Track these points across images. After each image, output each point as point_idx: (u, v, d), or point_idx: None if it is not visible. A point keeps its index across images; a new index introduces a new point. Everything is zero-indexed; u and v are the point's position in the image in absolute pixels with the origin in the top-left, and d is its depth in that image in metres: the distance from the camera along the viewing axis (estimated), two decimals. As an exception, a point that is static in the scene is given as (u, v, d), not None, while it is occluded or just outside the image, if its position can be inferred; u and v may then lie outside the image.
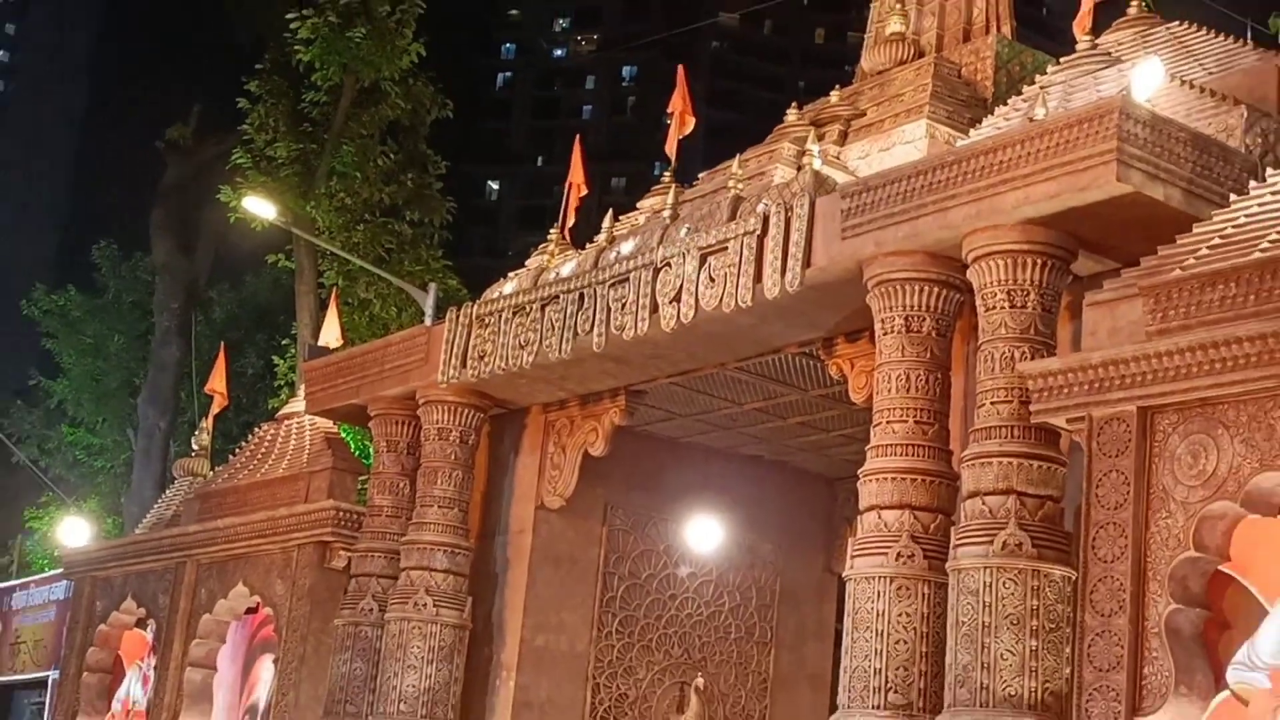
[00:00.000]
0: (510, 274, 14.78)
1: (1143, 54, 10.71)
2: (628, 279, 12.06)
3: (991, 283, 9.46)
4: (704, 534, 15.09)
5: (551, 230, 14.79)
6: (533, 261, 14.78)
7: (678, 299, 11.53)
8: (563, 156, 16.99)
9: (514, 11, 78.24)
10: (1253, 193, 8.66)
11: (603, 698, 14.61)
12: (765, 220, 11.03)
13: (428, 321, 16.81)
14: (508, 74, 76.55)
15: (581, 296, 12.52)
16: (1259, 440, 7.79)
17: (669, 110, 14.61)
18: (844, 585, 16.61)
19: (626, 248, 12.77)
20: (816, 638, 16.37)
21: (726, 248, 11.25)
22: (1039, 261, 9.39)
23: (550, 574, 14.28)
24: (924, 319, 10.11)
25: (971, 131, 11.52)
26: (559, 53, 78.95)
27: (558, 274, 13.24)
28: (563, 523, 14.35)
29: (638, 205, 14.69)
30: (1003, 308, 9.41)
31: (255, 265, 26.30)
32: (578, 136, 16.12)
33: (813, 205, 10.75)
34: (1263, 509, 7.91)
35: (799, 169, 12.19)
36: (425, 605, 13.72)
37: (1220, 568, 8.00)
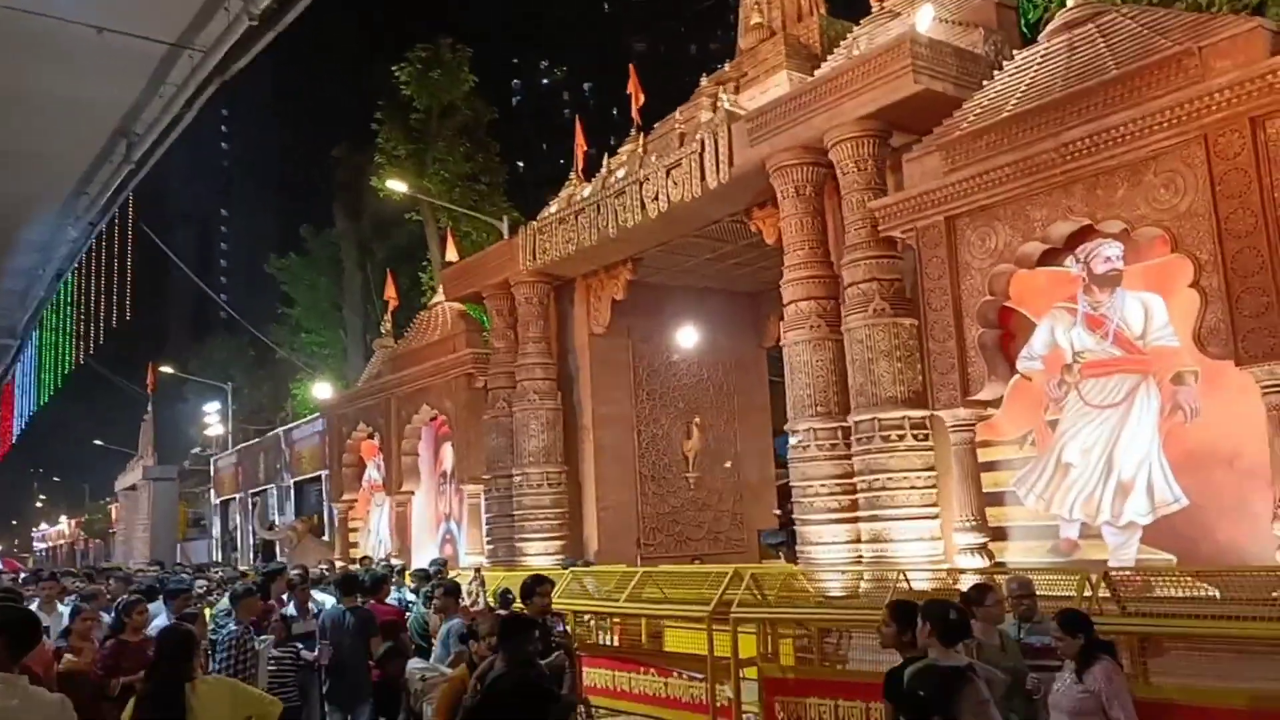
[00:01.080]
0: (551, 202, 15.79)
1: (914, 9, 11.15)
2: (625, 191, 13.10)
3: (845, 157, 10.30)
4: (686, 336, 16.52)
5: (571, 173, 15.96)
6: (562, 193, 15.62)
7: (656, 198, 12.60)
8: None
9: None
10: (995, 79, 9.42)
11: (643, 438, 16.27)
12: (702, 143, 11.92)
13: (505, 238, 18.83)
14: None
15: (598, 206, 13.59)
16: (1020, 225, 8.67)
17: (628, 91, 15.65)
18: (769, 354, 19.57)
19: (620, 174, 13.61)
20: (758, 385, 18.16)
21: (681, 163, 12.23)
22: (871, 141, 10.20)
23: (603, 371, 15.83)
24: (806, 186, 10.96)
25: (815, 73, 11.82)
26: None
27: (581, 195, 14.33)
28: (605, 341, 15.79)
29: (619, 150, 15.10)
30: (853, 171, 10.25)
31: (399, 223, 28.45)
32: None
33: (729, 130, 11.62)
34: (1026, 265, 8.81)
35: (714, 111, 12.77)
36: (534, 399, 15.33)
37: (1005, 304, 9.05)
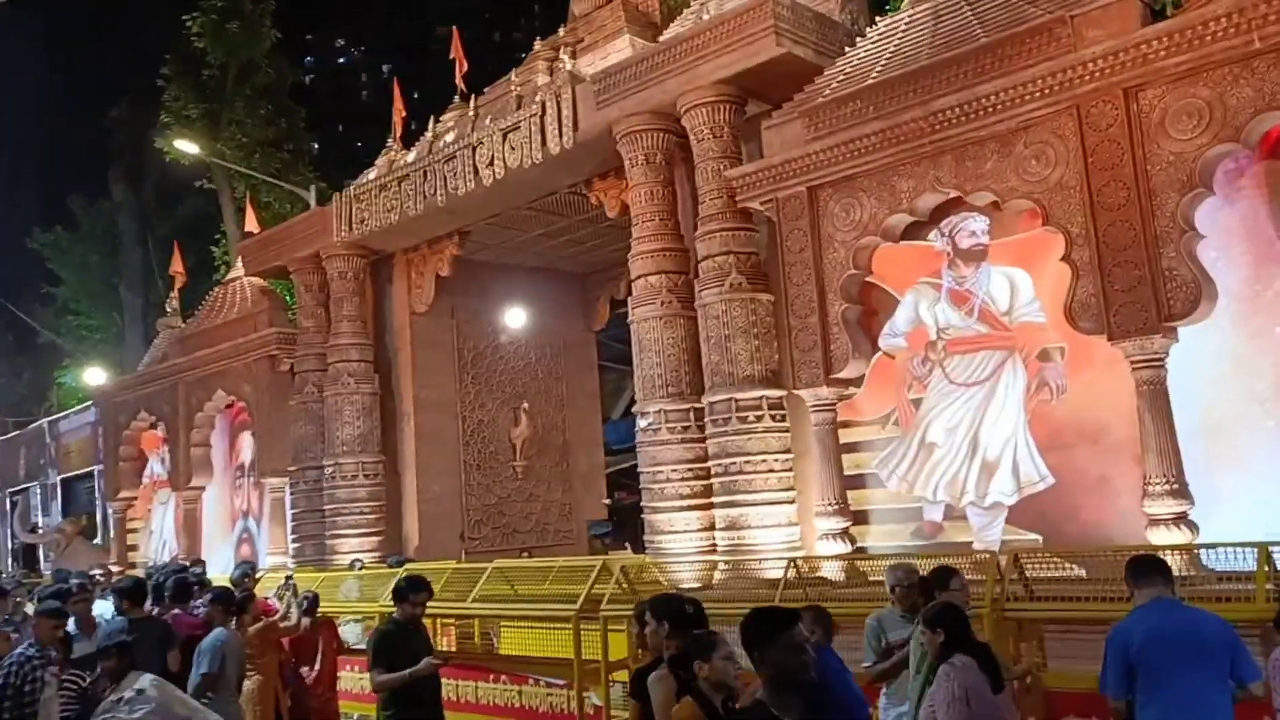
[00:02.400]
0: (370, 169, 14.55)
1: None
2: (455, 156, 12.15)
3: (699, 124, 9.82)
4: (514, 317, 15.65)
5: (389, 139, 14.74)
6: (380, 160, 14.45)
7: (491, 164, 11.69)
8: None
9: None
10: (857, 46, 9.16)
11: (468, 425, 15.32)
12: (543, 106, 11.13)
13: (313, 208, 17.37)
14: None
15: (425, 173, 12.57)
16: (885, 196, 8.42)
17: (451, 57, 14.60)
18: (598, 338, 19.04)
19: (449, 138, 12.63)
20: (587, 370, 17.56)
21: (519, 127, 11.40)
22: (728, 107, 9.76)
23: (425, 353, 14.79)
24: (656, 154, 10.41)
25: (658, 40, 11.36)
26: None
27: (405, 160, 13.22)
28: (428, 321, 14.77)
29: (441, 117, 14.00)
30: (708, 139, 9.78)
31: (188, 193, 25.53)
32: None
33: (574, 91, 10.91)
34: (891, 238, 8.57)
35: (552, 74, 12.17)
36: (349, 383, 14.15)
37: (867, 279, 8.80)
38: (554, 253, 15.87)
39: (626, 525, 19.20)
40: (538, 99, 11.35)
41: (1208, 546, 6.35)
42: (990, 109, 7.80)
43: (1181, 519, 6.94)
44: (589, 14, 13.56)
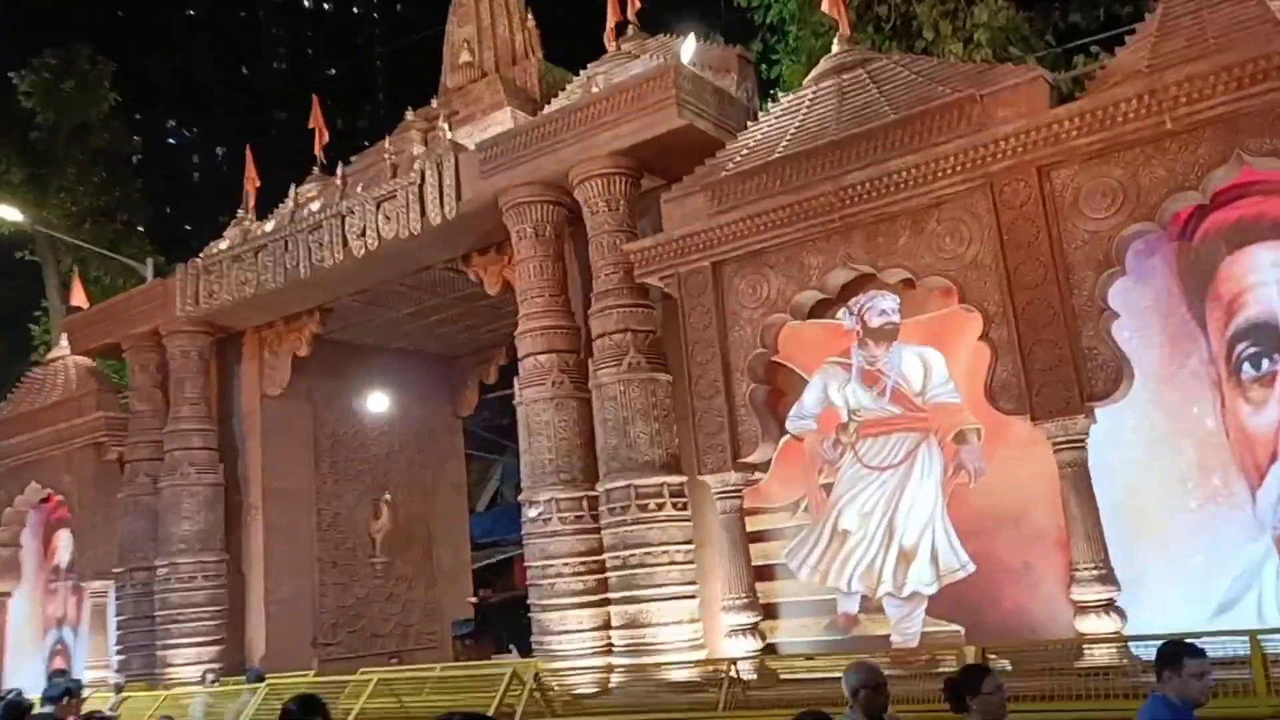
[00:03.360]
0: (222, 237, 13.49)
1: (655, 53, 10.73)
2: (321, 225, 11.41)
3: (594, 195, 9.47)
4: (376, 402, 14.93)
5: (239, 209, 13.84)
6: (230, 230, 13.43)
7: (363, 235, 10.99)
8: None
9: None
10: (760, 121, 9.06)
11: (324, 517, 14.20)
12: (422, 174, 10.58)
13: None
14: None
15: (286, 243, 11.74)
16: (794, 272, 8.20)
17: (310, 126, 13.98)
18: (464, 425, 18.10)
19: (315, 206, 11.89)
20: (453, 459, 16.69)
21: (395, 195, 10.80)
22: (624, 179, 9.48)
23: (277, 439, 13.69)
24: (546, 226, 9.97)
25: (541, 113, 11.08)
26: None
27: (263, 230, 12.35)
28: (282, 404, 13.70)
29: (300, 186, 13.38)
30: (604, 211, 9.45)
31: (3, 265, 23.02)
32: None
33: (457, 159, 10.42)
34: (800, 315, 8.32)
35: (427, 144, 11.66)
36: (189, 473, 12.85)
37: (773, 358, 8.48)
38: (422, 334, 15.15)
39: (490, 626, 18.17)
40: (415, 167, 10.79)
41: (1148, 639, 6.06)
42: (902, 184, 7.70)
43: (1109, 605, 6.75)
44: (463, 87, 13.30)
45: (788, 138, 8.62)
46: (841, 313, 8.42)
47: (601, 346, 9.26)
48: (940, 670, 7.15)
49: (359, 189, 11.31)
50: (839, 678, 7.07)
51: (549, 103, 11.95)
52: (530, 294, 9.95)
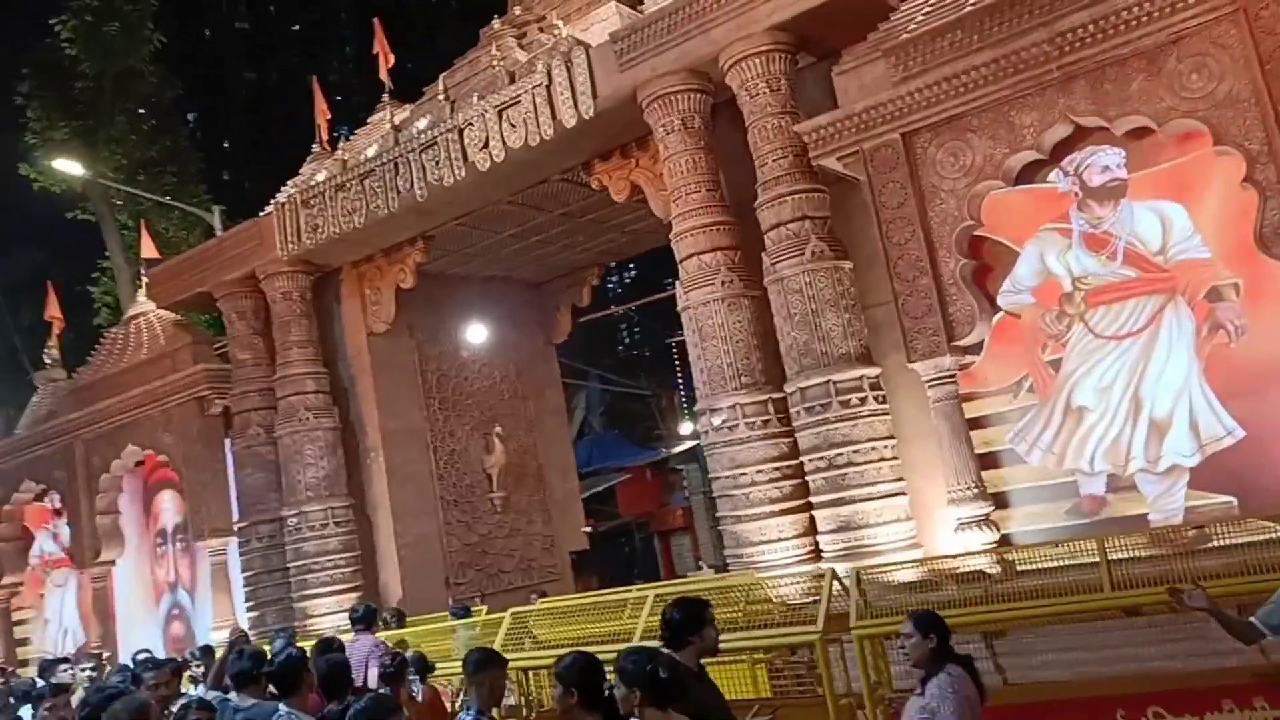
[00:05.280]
0: (307, 170, 12.97)
1: None
2: (436, 142, 10.72)
3: (753, 76, 8.80)
4: (475, 333, 14.36)
5: (313, 144, 13.43)
6: (307, 167, 13.00)
7: (486, 146, 10.33)
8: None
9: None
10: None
11: (440, 456, 13.73)
12: (549, 74, 9.90)
13: (219, 233, 15.79)
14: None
15: (396, 165, 11.08)
16: (1003, 135, 7.55)
17: (375, 51, 12.93)
18: (558, 351, 17.54)
19: (422, 123, 11.24)
20: (552, 387, 16.16)
21: (520, 100, 10.10)
22: (784, 56, 8.81)
23: (388, 378, 13.20)
24: (695, 117, 9.32)
25: (647, 2, 10.18)
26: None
27: (365, 156, 11.64)
28: (387, 342, 13.16)
29: (369, 120, 13.11)
30: (765, 93, 8.78)
31: (57, 225, 21.96)
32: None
33: (589, 54, 9.72)
34: (1009, 181, 7.70)
35: (528, 47, 11.08)
36: (307, 418, 12.40)
37: (976, 233, 7.85)
38: (515, 259, 14.54)
39: (591, 559, 17.80)
40: (539, 68, 10.03)
41: None
42: (1134, 21, 7.03)
43: None
44: None
45: (978, -12, 7.86)
46: (1054, 174, 7.79)
47: (778, 237, 8.66)
48: (1211, 546, 6.72)
49: (475, 99, 10.58)
50: (1090, 563, 6.68)
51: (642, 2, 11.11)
52: (686, 190, 9.32)
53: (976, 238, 8.02)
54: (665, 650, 3.98)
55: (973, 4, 7.75)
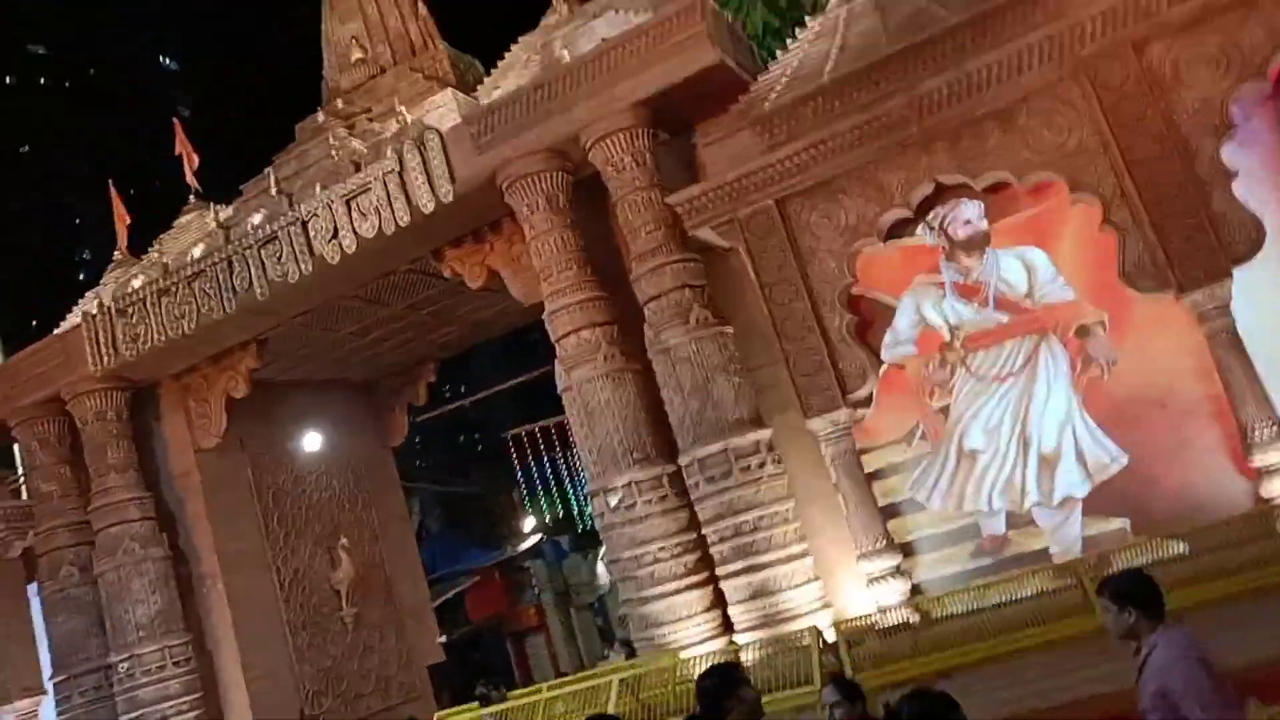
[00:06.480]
0: (111, 278, 11.96)
1: (612, 12, 9.71)
2: (276, 237, 10.18)
3: (618, 152, 8.78)
4: (310, 442, 13.61)
5: (114, 252, 12.51)
6: (110, 276, 12.05)
7: (334, 237, 9.87)
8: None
9: None
10: (790, 51, 8.63)
11: (283, 577, 12.73)
12: (400, 159, 9.61)
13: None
14: None
15: (230, 263, 10.43)
16: (873, 195, 7.90)
17: (177, 153, 12.46)
18: (393, 452, 16.53)
19: (256, 218, 10.59)
20: (392, 492, 15.34)
21: (369, 188, 9.75)
22: (646, 132, 8.82)
23: (221, 497, 12.21)
24: (559, 195, 9.19)
25: (480, 90, 10.47)
26: None
27: (191, 257, 10.89)
28: (218, 458, 12.23)
29: (175, 223, 11.99)
30: (631, 168, 8.76)
31: None
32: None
33: (442, 138, 9.51)
34: (882, 238, 8.03)
35: (361, 136, 10.75)
36: (133, 549, 11.22)
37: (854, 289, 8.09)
38: (346, 360, 13.90)
39: (446, 669, 16.88)
40: (388, 153, 9.73)
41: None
42: (984, 83, 7.57)
43: (1292, 462, 6.75)
44: (362, 84, 12.39)
45: (833, 58, 8.29)
46: (920, 229, 8.16)
47: (659, 308, 8.62)
48: (1113, 570, 7.03)
49: (318, 189, 10.11)
50: (998, 604, 6.88)
51: (473, 90, 11.09)
52: (557, 268, 9.16)
53: (854, 294, 8.23)
54: None
55: (830, 73, 8.08)
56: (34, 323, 15.90)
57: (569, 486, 21.01)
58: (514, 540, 22.20)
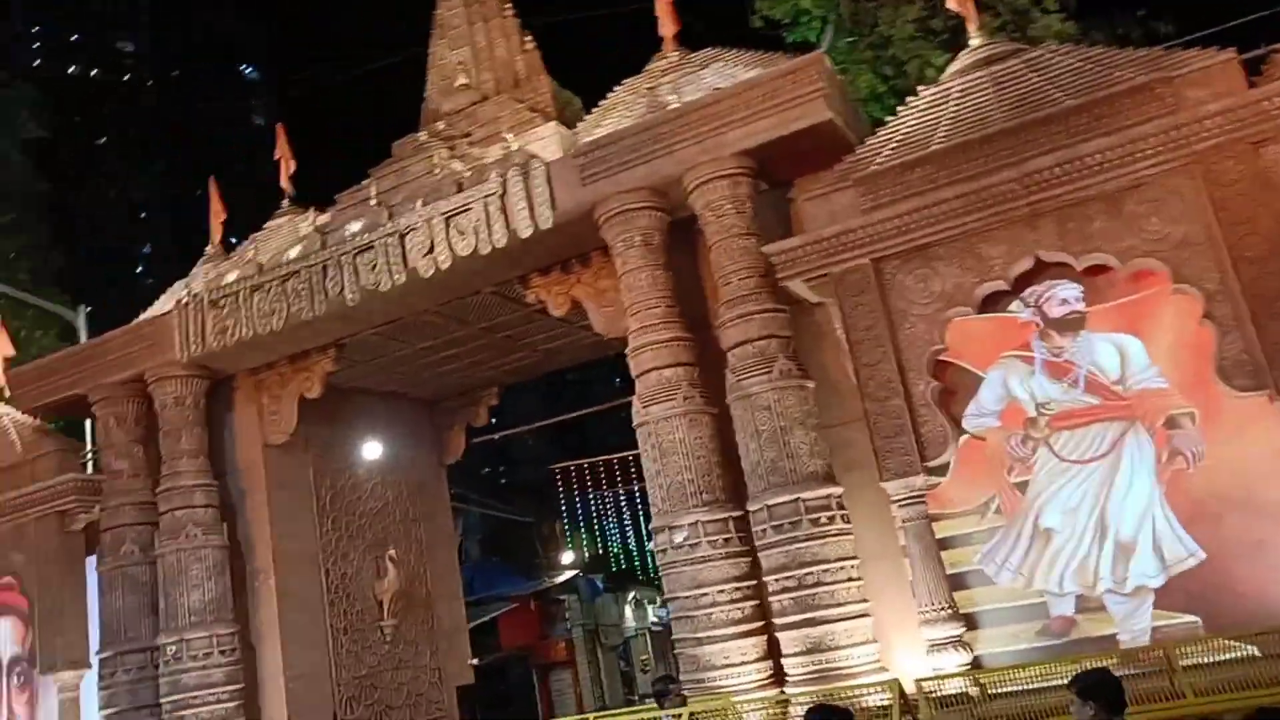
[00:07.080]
0: (203, 271, 12.33)
1: (720, 64, 10.32)
2: (373, 245, 10.43)
3: (719, 198, 8.97)
4: (369, 450, 13.78)
5: (208, 246, 12.91)
6: (202, 267, 12.46)
7: (430, 252, 10.11)
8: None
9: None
10: (900, 116, 8.83)
11: (332, 580, 12.88)
12: (505, 184, 9.85)
13: (83, 337, 15.23)
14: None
15: (325, 267, 10.69)
16: (971, 264, 8.01)
17: (276, 157, 13.13)
18: (448, 471, 16.71)
19: (355, 227, 10.81)
20: (442, 512, 15.48)
21: (470, 208, 9.98)
22: (748, 180, 9.03)
23: (283, 494, 12.40)
24: (655, 234, 9.41)
25: (582, 127, 10.79)
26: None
27: (287, 258, 11.15)
28: (283, 455, 12.44)
29: (267, 224, 12.60)
30: (730, 214, 8.94)
31: None
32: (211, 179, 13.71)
33: (547, 165, 9.76)
34: (977, 309, 8.11)
35: (461, 158, 10.89)
36: (195, 535, 11.40)
37: (943, 357, 8.17)
38: (415, 375, 14.14)
39: (471, 693, 16.92)
40: (492, 177, 9.99)
41: None
42: (1096, 168, 7.65)
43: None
44: (465, 109, 12.56)
45: (944, 128, 8.43)
46: (1015, 305, 8.21)
47: (743, 355, 8.73)
48: (1181, 665, 6.98)
49: (419, 204, 10.39)
50: (1062, 685, 6.81)
51: (572, 126, 11.36)
52: (645, 305, 9.33)
53: (940, 361, 8.28)
54: None
55: (939, 142, 8.21)
56: (88, 309, 16.17)
57: (608, 525, 21.07)
58: (551, 572, 22.24)
